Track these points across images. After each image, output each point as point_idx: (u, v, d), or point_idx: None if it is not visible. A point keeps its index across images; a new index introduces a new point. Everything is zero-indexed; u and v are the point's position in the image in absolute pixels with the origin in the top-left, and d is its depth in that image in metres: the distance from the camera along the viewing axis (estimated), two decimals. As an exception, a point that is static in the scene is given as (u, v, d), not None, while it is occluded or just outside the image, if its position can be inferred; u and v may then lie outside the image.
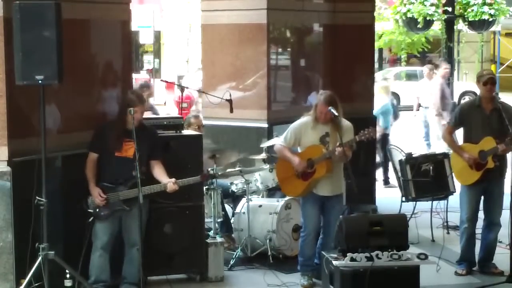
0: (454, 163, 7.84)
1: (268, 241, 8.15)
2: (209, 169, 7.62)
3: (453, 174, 8.27)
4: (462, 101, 22.78)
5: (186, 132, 7.87)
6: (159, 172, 7.04)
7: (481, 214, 7.81)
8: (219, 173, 8.10)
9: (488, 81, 7.51)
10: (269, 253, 8.11)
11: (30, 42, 6.22)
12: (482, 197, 7.73)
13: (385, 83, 14.10)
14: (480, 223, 7.85)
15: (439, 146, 13.07)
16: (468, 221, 7.69)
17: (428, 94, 15.28)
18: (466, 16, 16.28)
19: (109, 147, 6.96)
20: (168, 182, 6.95)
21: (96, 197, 6.86)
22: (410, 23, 16.42)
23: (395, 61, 33.54)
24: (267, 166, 8.58)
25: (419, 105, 15.46)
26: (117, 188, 6.90)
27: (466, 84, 29.76)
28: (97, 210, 6.89)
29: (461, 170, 7.67)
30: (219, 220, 8.32)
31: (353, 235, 6.53)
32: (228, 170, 8.56)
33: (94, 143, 7.04)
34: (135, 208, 6.91)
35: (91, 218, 6.92)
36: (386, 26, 27.89)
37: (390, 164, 11.74)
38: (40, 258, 6.34)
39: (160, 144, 7.22)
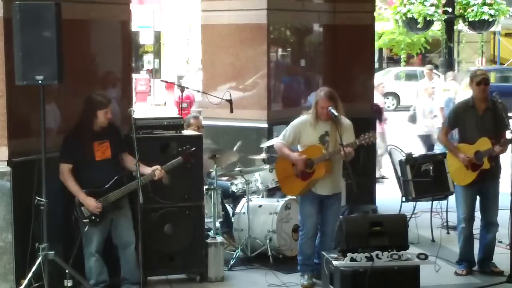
0: (450, 163, 7.84)
1: (268, 241, 8.15)
2: (187, 147, 7.30)
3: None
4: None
5: (186, 132, 7.86)
6: (134, 163, 6.94)
7: (478, 214, 7.82)
8: (219, 173, 8.08)
9: (481, 82, 7.53)
10: (269, 253, 8.11)
11: (30, 42, 6.22)
12: (478, 197, 7.73)
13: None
14: (477, 223, 7.85)
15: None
16: (465, 221, 7.69)
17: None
18: (466, 16, 16.29)
19: (88, 153, 6.85)
20: (154, 170, 6.94)
21: (95, 207, 6.78)
22: (410, 23, 16.43)
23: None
24: (267, 166, 8.58)
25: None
26: (105, 190, 6.85)
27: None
28: (93, 217, 6.84)
29: (457, 170, 7.68)
30: (219, 220, 8.31)
31: (353, 235, 6.54)
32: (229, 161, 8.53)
33: (67, 153, 6.86)
34: (126, 208, 6.94)
35: (87, 227, 6.84)
36: (386, 26, 27.90)
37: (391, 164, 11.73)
38: (40, 258, 6.35)
39: (125, 137, 7.12)
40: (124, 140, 7.05)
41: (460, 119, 7.69)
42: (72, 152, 6.86)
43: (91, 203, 6.79)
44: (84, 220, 6.82)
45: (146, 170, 6.96)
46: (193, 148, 7.27)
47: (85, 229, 6.84)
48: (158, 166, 6.95)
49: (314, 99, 7.37)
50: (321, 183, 7.27)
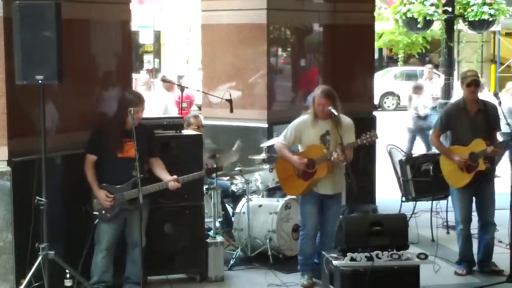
0: (443, 165, 7.75)
1: (268, 241, 8.15)
2: (212, 164, 7.56)
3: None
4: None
5: (186, 132, 7.87)
6: (160, 169, 7.04)
7: (475, 214, 7.81)
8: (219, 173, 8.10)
9: (472, 83, 7.51)
10: (269, 253, 8.11)
11: (30, 42, 6.22)
12: (474, 198, 7.71)
13: None
14: (475, 223, 7.83)
15: None
16: (462, 223, 7.69)
17: (428, 94, 15.29)
18: (466, 16, 16.25)
19: (111, 149, 6.91)
20: (170, 181, 6.95)
21: (104, 200, 6.82)
22: (410, 23, 16.39)
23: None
24: (267, 166, 8.58)
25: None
26: (122, 188, 6.88)
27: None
28: (103, 212, 6.87)
29: (452, 172, 7.64)
30: (219, 220, 8.31)
31: (353, 235, 6.54)
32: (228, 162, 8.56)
33: (93, 145, 6.97)
34: (139, 209, 6.92)
35: (97, 221, 6.88)
36: (386, 26, 27.88)
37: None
38: (40, 258, 6.35)
39: (158, 141, 7.19)
40: (154, 146, 7.05)
41: (452, 121, 7.66)
42: (98, 144, 6.93)
43: (101, 195, 6.82)
44: (94, 213, 6.85)
45: (165, 176, 6.98)
46: (220, 165, 7.49)
47: (95, 223, 6.86)
48: (175, 177, 6.96)
49: (312, 97, 7.36)
50: (323, 183, 7.26)
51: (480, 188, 7.62)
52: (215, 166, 7.47)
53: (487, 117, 7.52)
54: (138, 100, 7.02)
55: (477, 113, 7.55)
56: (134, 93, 7.25)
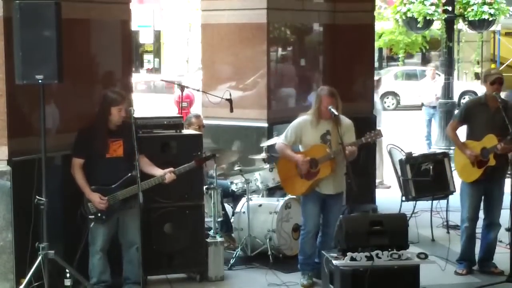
0: (457, 160, 7.81)
1: (268, 240, 8.15)
2: (201, 153, 7.39)
3: (453, 172, 8.26)
4: (463, 100, 22.86)
5: (185, 131, 7.86)
6: (148, 165, 6.99)
7: (481, 214, 7.81)
8: (219, 173, 8.09)
9: (495, 81, 7.54)
10: (269, 252, 8.11)
11: (30, 41, 6.22)
12: (483, 197, 7.72)
13: None
14: (480, 223, 7.84)
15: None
16: (469, 221, 7.69)
17: (431, 94, 15.35)
18: (466, 16, 16.26)
19: (99, 150, 6.87)
20: (165, 173, 6.93)
21: (99, 203, 6.80)
22: (410, 23, 16.40)
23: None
24: (267, 166, 8.58)
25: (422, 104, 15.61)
26: (114, 189, 6.87)
27: (466, 83, 29.76)
28: (99, 214, 6.85)
29: (464, 167, 7.67)
30: (219, 219, 8.31)
31: (353, 234, 6.53)
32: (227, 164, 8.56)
33: (80, 147, 6.90)
34: (133, 208, 6.91)
35: (92, 224, 6.86)
36: (386, 25, 27.90)
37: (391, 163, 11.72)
38: (40, 258, 6.35)
39: (142, 138, 7.07)
40: (140, 141, 6.99)
41: (472, 115, 7.69)
42: (84, 147, 6.88)
43: (95, 199, 6.80)
44: (90, 217, 6.83)
45: (157, 172, 6.96)
46: (209, 154, 7.34)
47: (91, 226, 6.85)
48: (171, 169, 6.94)
49: (316, 98, 7.36)
50: (325, 183, 7.27)
51: (490, 187, 7.63)
52: (204, 155, 7.33)
53: (506, 116, 7.51)
54: (120, 98, 6.97)
55: (497, 111, 7.56)
56: (116, 92, 7.13)
